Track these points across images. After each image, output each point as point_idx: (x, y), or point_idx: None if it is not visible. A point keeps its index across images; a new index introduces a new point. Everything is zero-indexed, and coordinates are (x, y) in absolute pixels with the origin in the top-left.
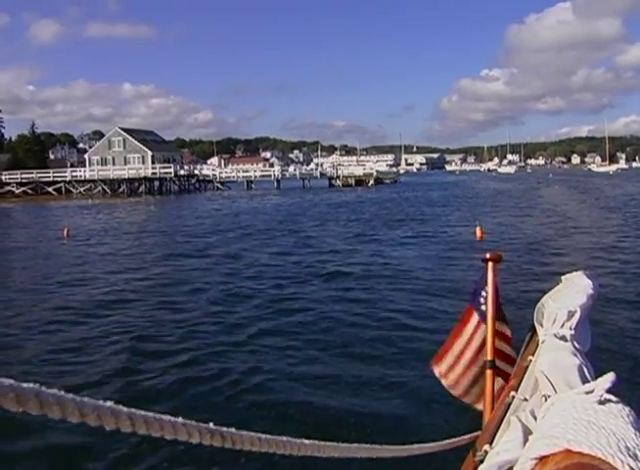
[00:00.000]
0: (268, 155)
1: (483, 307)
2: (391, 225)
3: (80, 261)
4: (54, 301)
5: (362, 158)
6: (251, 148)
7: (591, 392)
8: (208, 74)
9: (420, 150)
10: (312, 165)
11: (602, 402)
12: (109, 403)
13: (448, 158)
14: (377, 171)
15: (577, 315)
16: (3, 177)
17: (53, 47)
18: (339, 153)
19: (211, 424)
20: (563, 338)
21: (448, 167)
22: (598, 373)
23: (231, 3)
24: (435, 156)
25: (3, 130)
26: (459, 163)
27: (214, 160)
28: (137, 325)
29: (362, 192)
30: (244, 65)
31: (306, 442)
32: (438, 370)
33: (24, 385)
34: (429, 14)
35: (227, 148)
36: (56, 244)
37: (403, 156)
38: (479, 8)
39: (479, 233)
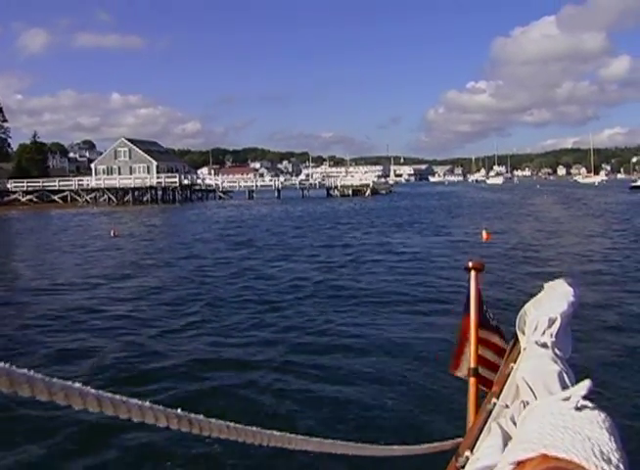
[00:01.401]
0: (257, 165)
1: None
2: (410, 228)
3: (149, 251)
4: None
5: (351, 169)
6: (240, 158)
7: (568, 398)
8: (196, 85)
9: (407, 161)
10: (302, 176)
11: (578, 409)
12: (77, 385)
13: (436, 169)
14: (373, 182)
15: (558, 323)
16: (9, 186)
17: (42, 57)
18: (328, 164)
19: (179, 410)
20: (544, 345)
21: (432, 179)
22: (579, 379)
23: (219, 14)
24: (423, 167)
25: (10, 140)
26: (442, 174)
27: (204, 170)
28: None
29: (362, 201)
30: (231, 76)
31: (276, 433)
32: (461, 372)
33: None
34: (415, 26)
35: (216, 158)
36: (113, 241)
37: (392, 167)
38: (465, 21)
39: (485, 235)
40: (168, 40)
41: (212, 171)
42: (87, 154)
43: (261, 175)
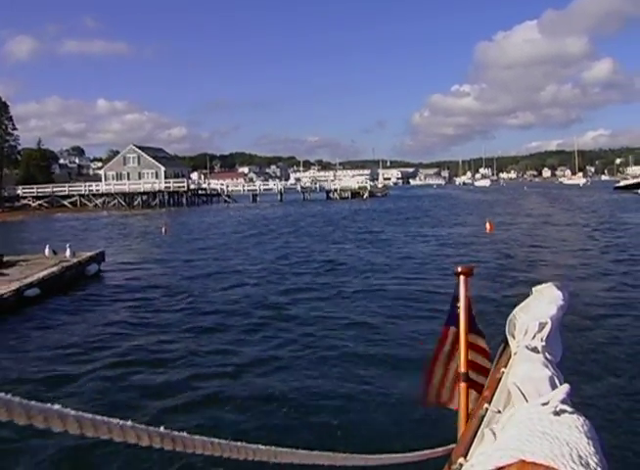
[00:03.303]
0: (246, 170)
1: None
2: (423, 223)
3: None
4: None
5: (339, 172)
6: (227, 163)
7: (547, 403)
8: (182, 90)
9: (393, 164)
10: (292, 180)
11: (557, 413)
12: (56, 406)
13: (423, 172)
14: (370, 185)
15: (548, 327)
16: (19, 192)
17: (28, 63)
18: (316, 168)
19: (162, 428)
20: (534, 349)
21: (413, 182)
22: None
23: (205, 21)
24: (411, 170)
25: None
26: (423, 177)
27: (194, 175)
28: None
29: (363, 203)
30: (217, 81)
31: (262, 447)
32: (428, 400)
33: None
34: (399, 30)
35: (203, 163)
36: (164, 237)
37: (381, 171)
38: (448, 25)
39: (488, 227)
40: (155, 46)
41: (202, 176)
42: (77, 160)
43: (251, 180)
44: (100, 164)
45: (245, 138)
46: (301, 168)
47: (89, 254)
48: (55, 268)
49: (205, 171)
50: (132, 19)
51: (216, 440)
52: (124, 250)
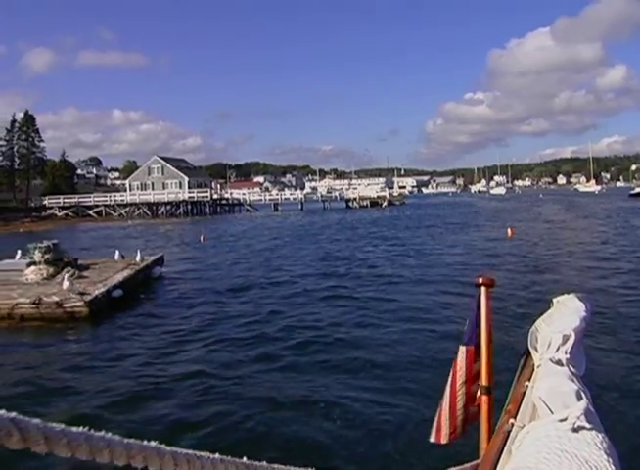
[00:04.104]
0: (261, 179)
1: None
2: (453, 229)
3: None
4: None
5: (354, 181)
6: (242, 172)
7: (565, 419)
8: (197, 101)
9: (407, 173)
10: (308, 189)
11: (575, 430)
12: (54, 425)
13: (438, 180)
14: (389, 194)
15: (572, 339)
16: (46, 202)
17: (46, 75)
18: (332, 176)
19: (164, 445)
20: (558, 362)
21: (425, 190)
22: (595, 397)
23: (219, 30)
24: (426, 178)
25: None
26: (435, 186)
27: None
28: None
29: (383, 212)
30: (231, 91)
31: (257, 463)
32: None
33: None
34: (412, 38)
35: (219, 172)
36: (204, 244)
37: (396, 179)
38: (461, 32)
39: (509, 232)
40: (171, 57)
41: (219, 186)
42: (94, 170)
43: (267, 189)
44: (117, 175)
45: (259, 147)
46: (317, 177)
47: (153, 258)
48: (130, 271)
49: (221, 181)
50: (147, 29)
51: (218, 455)
52: (171, 256)
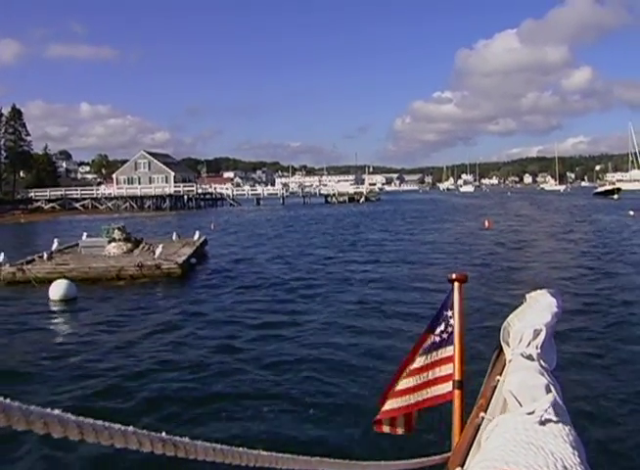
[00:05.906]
0: (231, 175)
1: (448, 328)
2: (429, 221)
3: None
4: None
5: (324, 178)
6: (212, 168)
7: (532, 413)
8: (165, 95)
9: (376, 170)
10: (278, 185)
11: (542, 423)
12: (56, 411)
13: (407, 178)
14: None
15: (543, 334)
16: (32, 194)
17: (13, 67)
18: (302, 173)
19: (164, 433)
20: (529, 357)
21: (387, 188)
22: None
23: (188, 25)
24: (395, 176)
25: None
26: (397, 183)
27: None
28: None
29: (361, 206)
30: (199, 86)
31: (264, 453)
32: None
33: None
34: (381, 35)
35: (191, 167)
36: (215, 230)
37: (366, 176)
38: (430, 31)
39: (487, 224)
40: (141, 51)
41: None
42: (64, 164)
43: (238, 185)
44: (87, 169)
45: (227, 143)
46: (289, 174)
47: (203, 237)
48: (191, 247)
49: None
50: (117, 23)
51: (218, 445)
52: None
